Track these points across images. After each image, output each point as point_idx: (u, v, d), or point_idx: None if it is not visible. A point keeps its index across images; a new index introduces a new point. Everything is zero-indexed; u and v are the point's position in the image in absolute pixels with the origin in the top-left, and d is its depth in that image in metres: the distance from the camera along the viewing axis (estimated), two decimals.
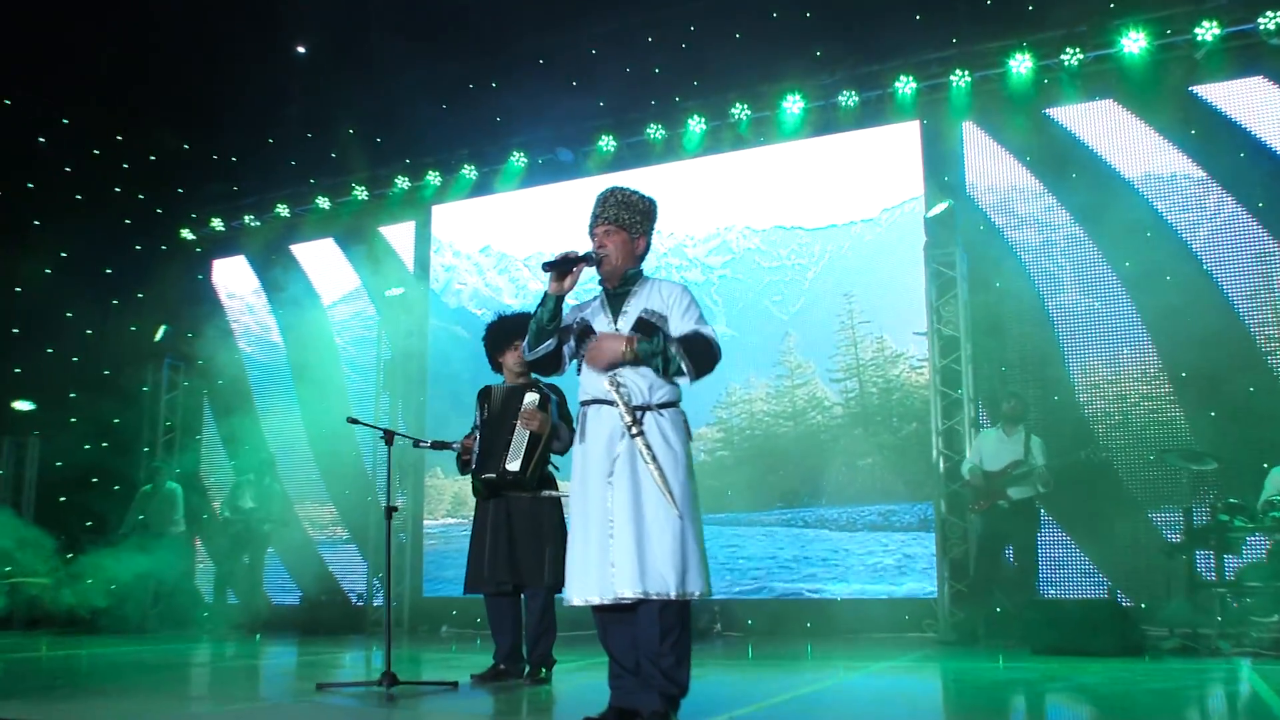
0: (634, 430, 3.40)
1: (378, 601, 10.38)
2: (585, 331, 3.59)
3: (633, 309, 3.56)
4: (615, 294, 3.62)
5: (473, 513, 4.90)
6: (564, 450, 4.63)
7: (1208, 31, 8.86)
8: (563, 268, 3.52)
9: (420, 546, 10.85)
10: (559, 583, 4.51)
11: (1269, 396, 8.41)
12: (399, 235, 12.07)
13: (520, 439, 4.59)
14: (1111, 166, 9.18)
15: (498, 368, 5.06)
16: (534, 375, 4.28)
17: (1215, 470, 7.63)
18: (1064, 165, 9.31)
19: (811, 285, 9.85)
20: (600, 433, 3.48)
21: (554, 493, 4.82)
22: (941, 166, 9.63)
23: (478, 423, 4.74)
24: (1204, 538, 7.27)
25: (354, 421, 4.75)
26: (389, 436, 4.59)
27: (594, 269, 3.61)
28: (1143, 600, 8.08)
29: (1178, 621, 7.18)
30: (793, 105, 9.95)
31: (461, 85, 11.51)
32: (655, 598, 3.37)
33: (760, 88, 10.00)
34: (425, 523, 10.91)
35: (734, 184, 10.20)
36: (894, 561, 8.98)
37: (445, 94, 11.55)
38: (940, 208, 9.06)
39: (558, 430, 4.69)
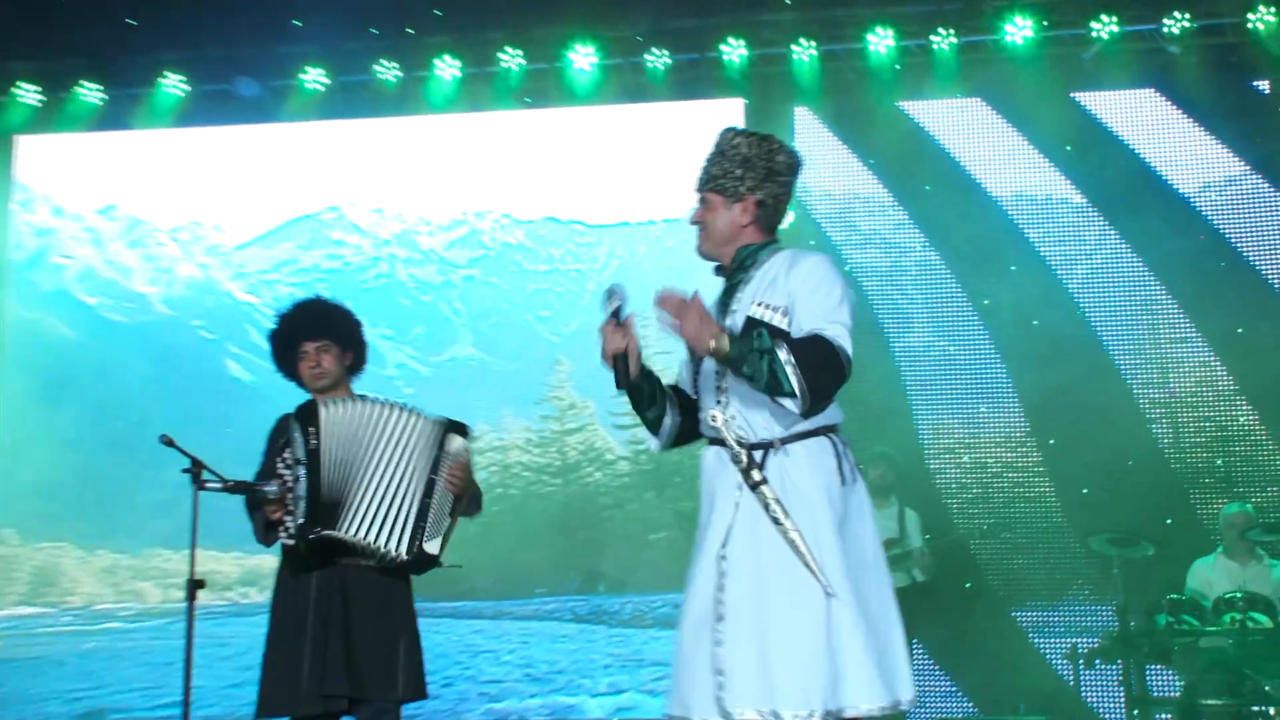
0: (752, 479, 3.13)
1: None
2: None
3: (743, 304, 3.29)
4: (727, 285, 3.38)
5: (271, 593, 4.22)
6: (473, 514, 4.31)
7: (1105, 28, 8.77)
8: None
9: None
10: (415, 691, 4.16)
11: (1150, 472, 8.39)
12: None
13: (442, 505, 4.08)
14: (976, 180, 9.11)
15: (298, 380, 4.39)
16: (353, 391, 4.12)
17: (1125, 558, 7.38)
18: (918, 173, 9.16)
19: (594, 299, 8.32)
20: (710, 487, 3.23)
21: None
22: None
23: (292, 459, 4.05)
24: (1136, 644, 7.10)
25: (169, 443, 4.17)
26: (196, 470, 4.14)
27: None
28: None
29: None
30: (582, 59, 9.17)
31: None
32: (791, 718, 3.01)
33: (539, 31, 9.16)
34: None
35: (494, 155, 9.60)
36: None
37: None
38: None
39: (474, 491, 4.27)
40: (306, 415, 4.11)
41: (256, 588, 9.02)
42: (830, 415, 3.26)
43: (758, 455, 3.18)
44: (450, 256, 9.61)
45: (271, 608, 4.23)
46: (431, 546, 4.05)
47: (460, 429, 4.19)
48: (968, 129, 9.20)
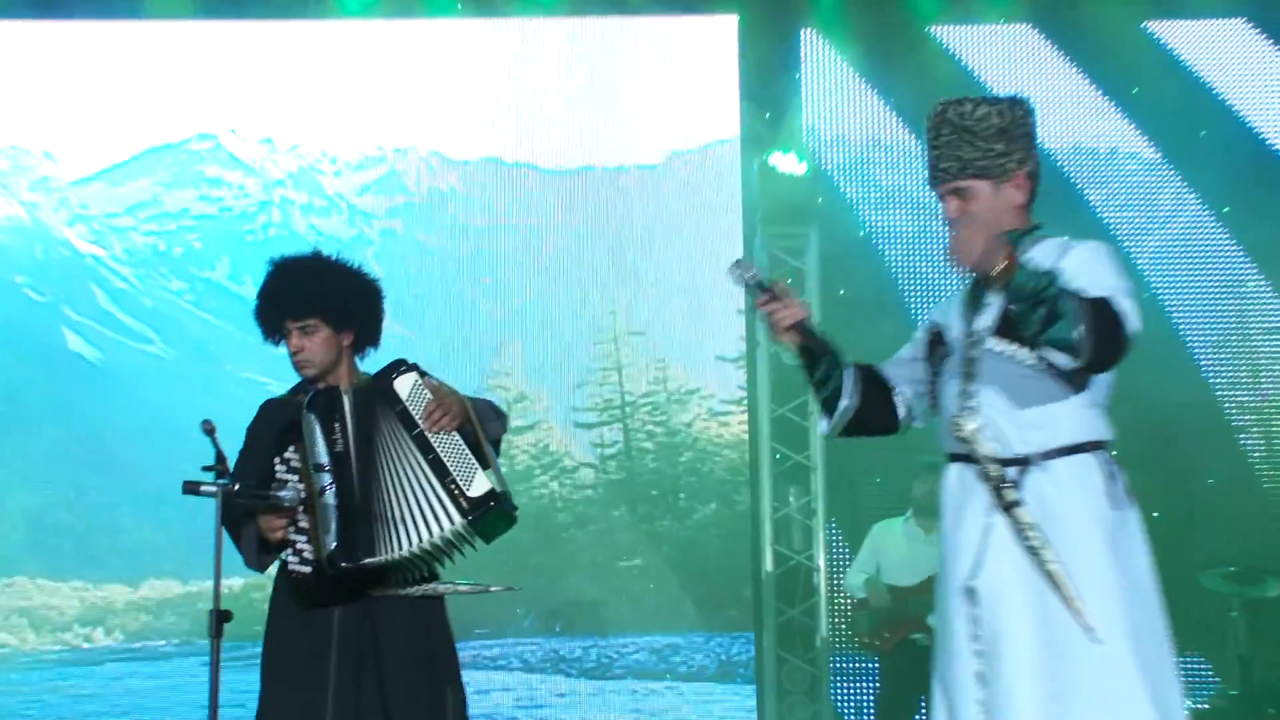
0: (1005, 499, 3.21)
1: None
2: (935, 342, 3.47)
3: (997, 300, 3.29)
4: (978, 279, 3.29)
5: (266, 633, 4.12)
6: (501, 432, 4.13)
7: None
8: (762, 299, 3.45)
9: None
10: None
11: (1236, 491, 8.30)
12: None
13: (452, 449, 3.88)
14: None
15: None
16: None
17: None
18: None
19: (548, 264, 9.04)
20: (955, 510, 3.31)
21: (442, 586, 4.14)
22: (766, 95, 8.85)
23: (311, 465, 3.90)
24: (1261, 704, 7.14)
25: (210, 432, 3.88)
26: (221, 470, 3.83)
27: None
28: None
29: None
30: None
31: None
32: None
33: None
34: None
35: (421, 76, 9.10)
36: None
37: None
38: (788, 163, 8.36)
39: (476, 406, 4.02)
40: (328, 407, 3.97)
41: (102, 628, 8.58)
42: (1098, 428, 3.31)
43: (1012, 473, 3.26)
44: (363, 204, 9.07)
45: (265, 655, 4.06)
46: (478, 487, 3.89)
47: (396, 369, 4.00)
48: (1015, 63, 8.95)
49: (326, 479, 3.88)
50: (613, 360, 8.86)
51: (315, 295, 4.05)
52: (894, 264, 8.66)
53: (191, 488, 3.80)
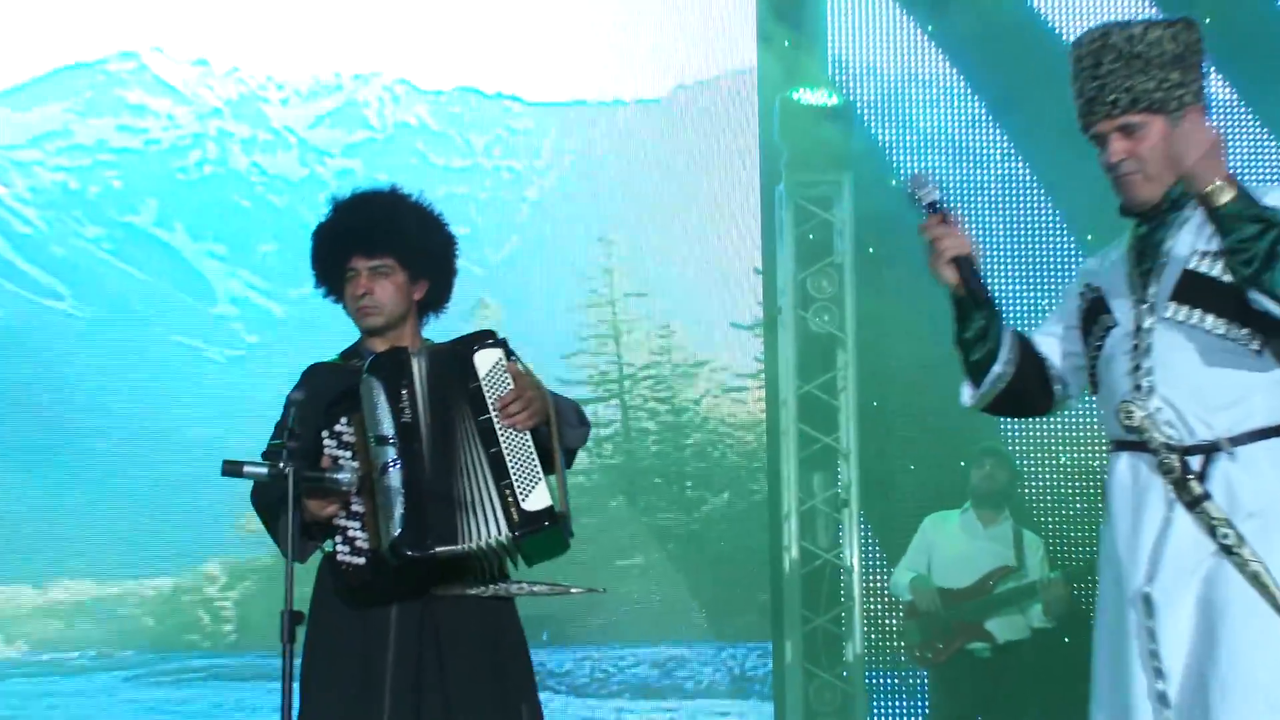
0: (1189, 493, 3.06)
1: None
2: (1094, 310, 3.27)
3: (1176, 252, 3.15)
4: (1150, 231, 3.21)
5: (309, 636, 3.80)
6: (579, 443, 4.03)
7: None
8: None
9: None
10: None
11: None
12: None
13: (518, 449, 3.70)
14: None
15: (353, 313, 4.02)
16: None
17: None
18: (1002, 48, 8.50)
19: (533, 213, 8.78)
20: (1126, 506, 3.18)
21: (515, 586, 3.93)
22: (787, 20, 8.53)
23: (370, 438, 3.69)
24: None
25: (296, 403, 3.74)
26: (285, 449, 3.55)
27: None
28: None
29: None
30: None
31: None
32: None
33: None
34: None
35: None
36: None
37: None
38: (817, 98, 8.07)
39: (559, 406, 3.86)
40: (395, 370, 3.83)
41: (2, 637, 8.08)
42: None
43: (1196, 462, 3.11)
44: (316, 139, 8.61)
45: (308, 661, 3.89)
46: (536, 500, 3.75)
47: (481, 340, 3.88)
48: None
49: (390, 454, 3.65)
50: (609, 326, 8.63)
51: (394, 232, 3.92)
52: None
53: (233, 469, 3.58)
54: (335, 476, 3.66)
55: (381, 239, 3.92)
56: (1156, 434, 3.13)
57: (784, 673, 8.03)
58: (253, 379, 7.54)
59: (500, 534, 3.67)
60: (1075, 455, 8.31)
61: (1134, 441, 3.18)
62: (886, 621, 8.09)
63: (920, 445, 8.29)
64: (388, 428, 3.70)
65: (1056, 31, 8.51)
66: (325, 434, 3.75)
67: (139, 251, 8.08)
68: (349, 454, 3.73)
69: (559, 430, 3.79)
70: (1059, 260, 8.42)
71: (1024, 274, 8.50)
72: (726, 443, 8.68)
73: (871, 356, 8.41)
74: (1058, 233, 8.46)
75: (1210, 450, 3.12)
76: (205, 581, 7.45)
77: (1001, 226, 8.48)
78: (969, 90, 8.56)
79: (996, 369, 3.35)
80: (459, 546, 3.67)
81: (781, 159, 8.11)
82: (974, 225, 7.94)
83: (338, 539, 3.73)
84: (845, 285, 8.20)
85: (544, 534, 3.74)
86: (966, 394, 3.47)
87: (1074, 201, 8.36)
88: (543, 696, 7.85)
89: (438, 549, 3.64)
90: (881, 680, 8.15)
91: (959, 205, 8.08)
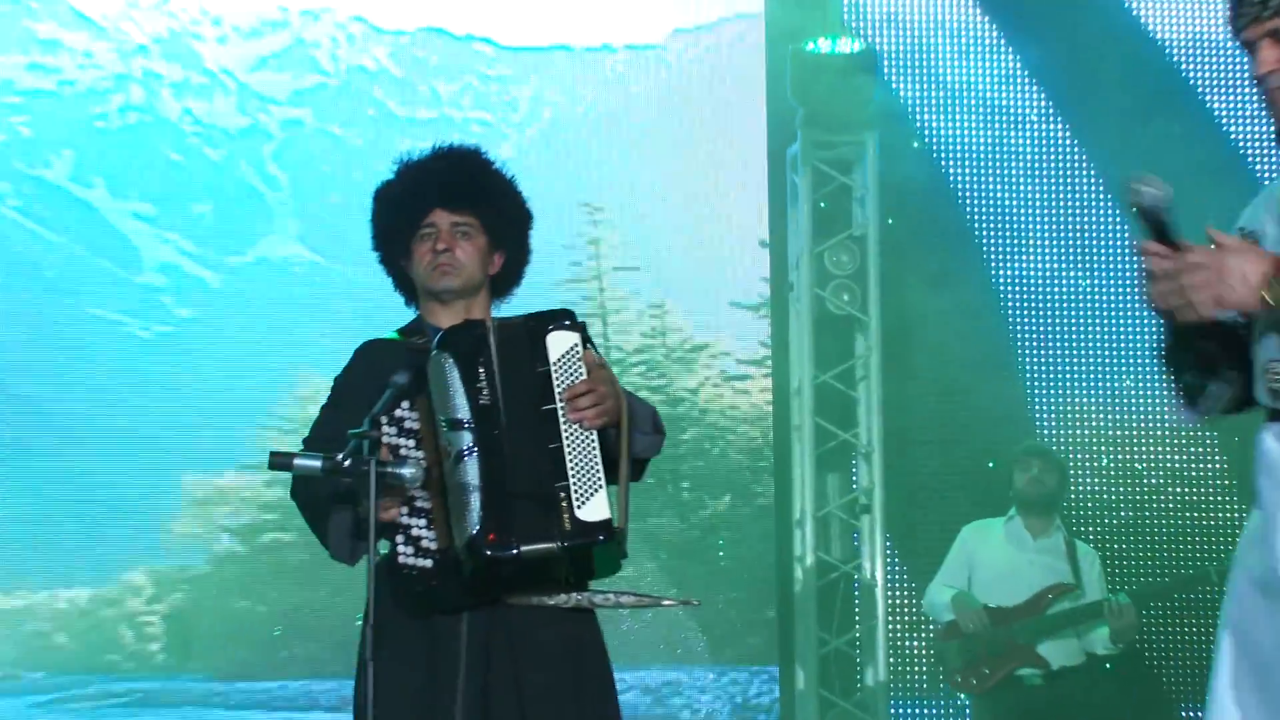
0: None
1: None
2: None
3: None
4: None
5: (358, 651, 3.50)
6: (651, 453, 3.88)
7: None
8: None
9: None
10: None
11: None
12: None
13: (581, 448, 3.58)
14: (1129, 9, 8.41)
15: (410, 293, 3.94)
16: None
17: None
18: (1044, 4, 8.37)
19: (510, 174, 7.66)
20: (1275, 486, 3.00)
21: (600, 596, 3.78)
22: None
23: (453, 419, 3.59)
24: None
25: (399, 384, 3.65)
26: (372, 438, 3.37)
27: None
28: None
29: None
30: None
31: None
32: None
33: None
34: None
35: None
36: None
37: None
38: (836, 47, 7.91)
39: (633, 408, 3.70)
40: (470, 346, 3.63)
41: None
42: None
43: None
44: (259, 84, 8.14)
45: (364, 679, 3.48)
46: (593, 510, 3.51)
47: (558, 320, 3.63)
48: None
49: (466, 440, 3.53)
50: (595, 304, 8.17)
51: (482, 189, 3.88)
52: (962, 190, 8.12)
53: (281, 461, 3.39)
54: (398, 471, 3.39)
55: (468, 194, 3.82)
56: None
57: (794, 700, 7.75)
58: (184, 358, 7.18)
59: (548, 541, 3.59)
60: (1119, 457, 8.15)
61: None
62: (912, 643, 7.84)
63: (951, 443, 8.01)
64: (463, 411, 3.56)
65: None
66: (384, 419, 3.51)
67: (51, 210, 7.69)
68: (412, 443, 3.57)
69: (629, 436, 3.62)
70: (1099, 232, 8.20)
71: (1062, 247, 8.24)
72: (728, 438, 8.32)
73: (897, 342, 8.05)
74: (1100, 203, 8.22)
75: None
76: (128, 593, 7.02)
77: (1038, 195, 8.21)
78: (1004, 44, 8.28)
79: (1215, 391, 3.16)
80: (550, 546, 3.51)
81: (796, 116, 7.79)
82: (1007, 192, 8.05)
83: (398, 538, 3.58)
84: (868, 260, 7.88)
85: (595, 549, 3.60)
86: (1186, 415, 3.33)
87: (1119, 169, 8.05)
88: None
89: (523, 549, 3.47)
90: (907, 710, 7.92)
91: (990, 177, 7.64)
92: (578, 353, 3.64)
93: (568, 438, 3.59)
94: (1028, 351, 8.27)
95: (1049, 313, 8.24)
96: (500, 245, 3.87)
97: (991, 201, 8.16)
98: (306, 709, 7.77)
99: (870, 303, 8.04)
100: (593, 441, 3.61)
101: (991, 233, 8.16)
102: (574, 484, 3.57)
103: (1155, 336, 3.22)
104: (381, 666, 3.53)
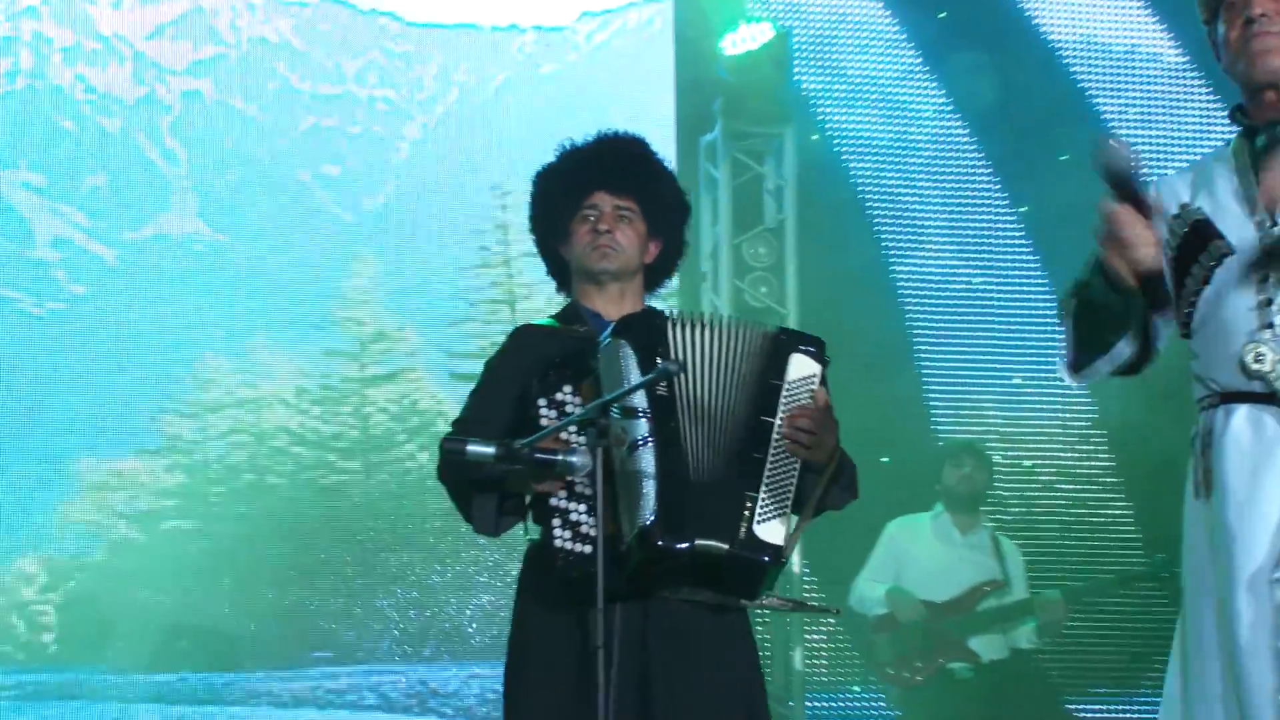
0: None
1: None
2: (1200, 235, 3.10)
3: None
4: (1273, 140, 3.07)
5: (514, 633, 3.83)
6: (836, 507, 3.88)
7: None
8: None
9: None
10: None
11: None
12: None
13: (783, 467, 3.64)
14: (1024, 11, 8.58)
15: (562, 278, 4.03)
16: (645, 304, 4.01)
17: None
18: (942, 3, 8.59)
19: (414, 151, 8.48)
20: (1242, 469, 3.02)
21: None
22: None
23: (627, 407, 3.63)
24: None
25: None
26: (600, 427, 3.49)
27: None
28: None
29: None
30: None
31: None
32: None
33: None
34: None
35: None
36: None
37: None
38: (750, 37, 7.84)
39: (840, 458, 3.73)
40: (649, 335, 3.71)
41: None
42: None
43: None
44: (156, 53, 8.10)
45: (514, 660, 3.82)
46: (769, 531, 3.63)
47: (808, 344, 3.80)
48: None
49: (642, 430, 3.56)
50: (503, 290, 8.33)
51: (645, 175, 3.98)
52: (864, 182, 8.31)
53: (455, 449, 3.49)
54: (569, 460, 3.50)
55: (632, 178, 3.91)
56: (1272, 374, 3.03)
57: None
58: (80, 337, 7.19)
59: (718, 540, 3.64)
60: (1011, 453, 8.22)
61: (1255, 393, 3.05)
62: (834, 637, 7.97)
63: (873, 436, 7.72)
64: (639, 399, 3.61)
65: None
66: (543, 403, 3.61)
67: None
68: (574, 429, 3.62)
69: (829, 484, 3.64)
70: (992, 228, 8.39)
71: (957, 241, 8.41)
72: None
73: (839, 334, 7.99)
74: (993, 199, 8.41)
75: None
76: (21, 582, 6.99)
77: (935, 189, 8.38)
78: (902, 36, 8.42)
79: (1122, 351, 3.19)
80: (720, 546, 3.54)
81: (715, 103, 7.87)
82: (905, 187, 8.23)
83: (555, 522, 3.59)
84: (786, 252, 7.94)
85: (755, 568, 3.64)
86: (1071, 377, 3.33)
87: (1009, 167, 8.34)
88: None
89: (697, 542, 3.50)
90: (831, 705, 8.04)
91: (891, 171, 7.87)
92: (813, 383, 3.72)
93: (773, 454, 3.64)
94: (924, 346, 8.35)
95: (945, 308, 8.38)
96: (658, 233, 3.96)
97: (892, 199, 8.32)
98: (205, 702, 7.81)
99: (788, 296, 8.05)
100: (794, 469, 3.67)
101: (891, 233, 8.31)
102: (762, 498, 3.62)
103: (1066, 288, 3.29)
104: (532, 651, 3.75)
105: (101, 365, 7.20)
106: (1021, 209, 8.29)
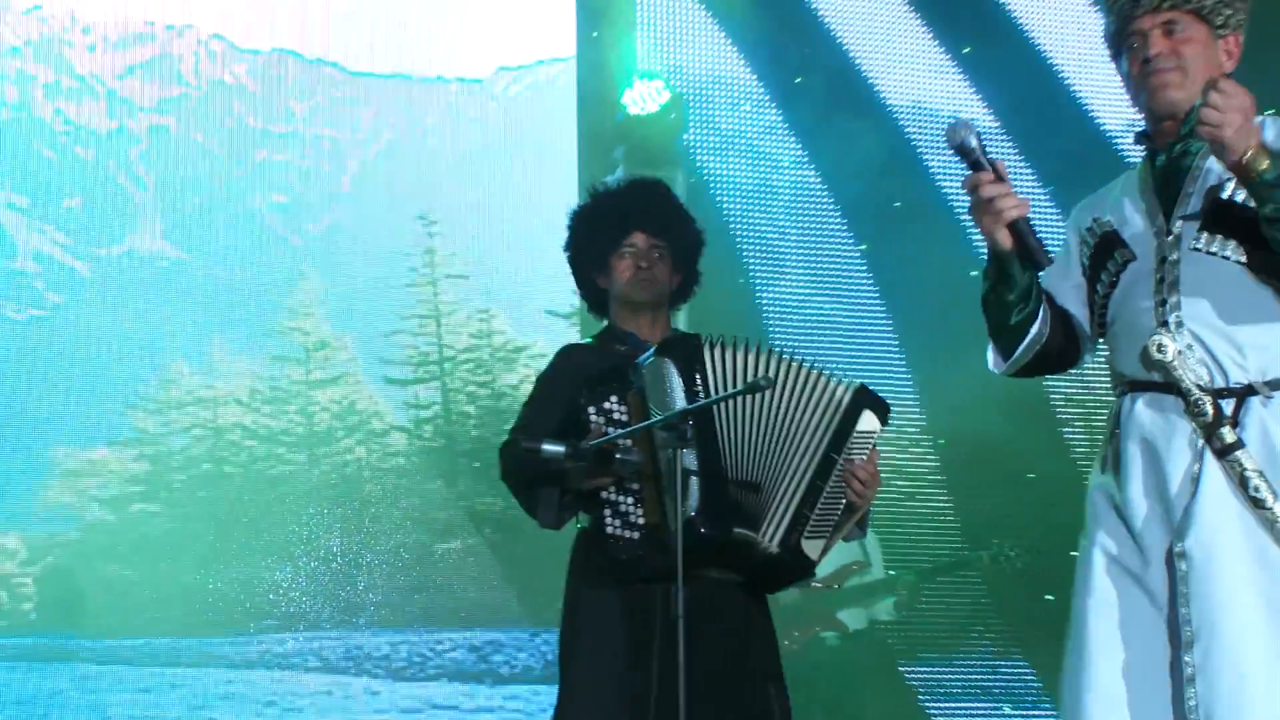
0: (1220, 441, 2.97)
1: None
2: (1108, 244, 3.19)
3: (1203, 183, 3.10)
4: (1170, 160, 3.16)
5: (567, 609, 4.21)
6: (850, 539, 4.43)
7: None
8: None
9: None
10: None
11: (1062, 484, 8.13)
12: None
13: (834, 498, 4.00)
14: (865, 76, 8.84)
15: (598, 303, 4.47)
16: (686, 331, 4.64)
17: None
18: (790, 57, 8.73)
19: (354, 183, 8.79)
20: (1146, 453, 3.08)
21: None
22: (599, 14, 8.58)
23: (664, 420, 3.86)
24: None
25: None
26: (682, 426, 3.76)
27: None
28: None
29: None
30: None
31: None
32: None
33: None
34: None
35: None
36: None
37: None
38: (648, 94, 8.19)
39: (866, 511, 4.18)
40: (688, 355, 3.91)
41: None
42: None
43: (1228, 406, 2.99)
44: (128, 91, 8.47)
45: (569, 639, 4.10)
46: (811, 547, 3.96)
47: (878, 405, 4.01)
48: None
49: (685, 432, 3.82)
50: (430, 307, 8.66)
51: (674, 218, 4.27)
52: (734, 220, 8.61)
53: (533, 447, 3.77)
54: (627, 459, 3.83)
55: (665, 221, 4.25)
56: (1187, 373, 3.03)
57: None
58: (56, 341, 7.56)
59: (768, 540, 3.90)
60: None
61: (1156, 382, 3.08)
62: None
63: None
64: (681, 405, 3.85)
65: (839, 39, 8.75)
66: (593, 410, 3.92)
67: None
68: (620, 431, 3.88)
69: (854, 523, 4.07)
70: (839, 262, 8.69)
71: (811, 273, 8.71)
72: None
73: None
74: (840, 238, 8.72)
75: (1244, 394, 3.03)
76: (3, 556, 7.44)
77: (794, 228, 8.70)
78: (765, 94, 8.70)
79: (1034, 330, 3.26)
80: (756, 534, 3.88)
81: (618, 151, 8.19)
82: (769, 230, 8.51)
83: (606, 512, 3.90)
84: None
85: (790, 572, 4.06)
86: (996, 361, 3.40)
87: (853, 211, 8.68)
88: (353, 681, 8.21)
89: (736, 530, 3.82)
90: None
91: (756, 210, 8.41)
92: (874, 440, 4.01)
93: (831, 486, 3.96)
94: None
95: (801, 330, 8.54)
96: (681, 268, 4.31)
97: (757, 235, 8.62)
98: (168, 665, 7.98)
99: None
100: (842, 503, 4.00)
101: (757, 264, 8.56)
102: (814, 519, 3.97)
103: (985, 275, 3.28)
104: (586, 627, 4.09)
105: (77, 366, 7.56)
106: (862, 246, 8.62)
